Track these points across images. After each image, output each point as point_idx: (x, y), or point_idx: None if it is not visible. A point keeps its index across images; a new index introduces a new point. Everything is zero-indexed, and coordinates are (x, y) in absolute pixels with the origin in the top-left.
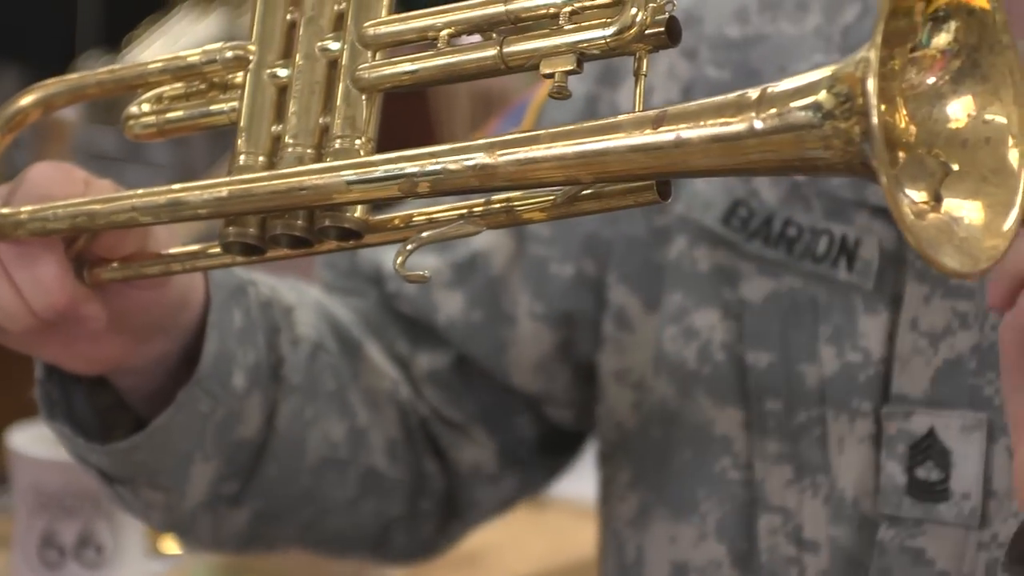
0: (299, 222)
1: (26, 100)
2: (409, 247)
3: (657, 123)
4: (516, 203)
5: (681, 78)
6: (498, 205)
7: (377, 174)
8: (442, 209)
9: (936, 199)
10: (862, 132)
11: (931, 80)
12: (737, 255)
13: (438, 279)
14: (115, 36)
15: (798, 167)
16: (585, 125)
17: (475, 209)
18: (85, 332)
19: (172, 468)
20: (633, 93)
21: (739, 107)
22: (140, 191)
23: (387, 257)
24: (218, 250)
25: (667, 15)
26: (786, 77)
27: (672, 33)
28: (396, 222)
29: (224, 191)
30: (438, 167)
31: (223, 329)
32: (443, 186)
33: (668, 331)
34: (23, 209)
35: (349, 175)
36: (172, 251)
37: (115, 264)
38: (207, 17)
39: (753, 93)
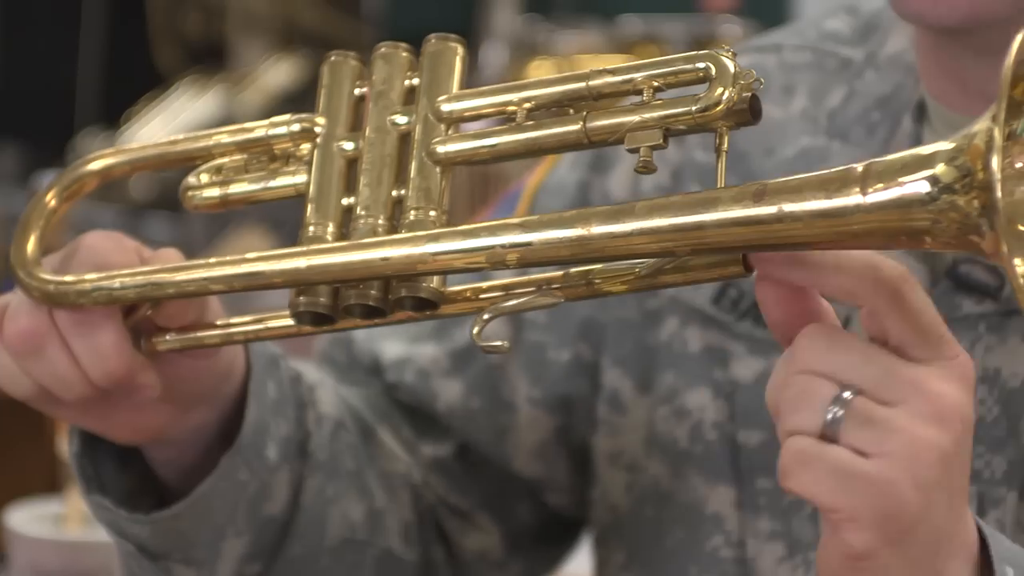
0: (373, 292)
1: (88, 168)
2: (486, 316)
3: (758, 197)
4: (596, 275)
5: (670, 162)
6: (577, 277)
7: (465, 245)
8: (518, 281)
9: None
10: (982, 206)
11: (1020, 164)
12: (728, 335)
13: (436, 368)
14: (114, 113)
15: (903, 241)
16: (681, 197)
17: (553, 282)
18: (136, 402)
19: (207, 542)
20: (716, 168)
21: (844, 181)
22: (212, 260)
23: (384, 347)
24: (277, 322)
25: (751, 93)
26: (773, 159)
27: (755, 111)
28: (468, 294)
29: (302, 262)
30: (528, 239)
31: (261, 399)
32: (532, 257)
33: (660, 411)
34: (87, 277)
35: (434, 246)
36: (232, 320)
37: (173, 334)
38: (206, 94)
39: (858, 167)
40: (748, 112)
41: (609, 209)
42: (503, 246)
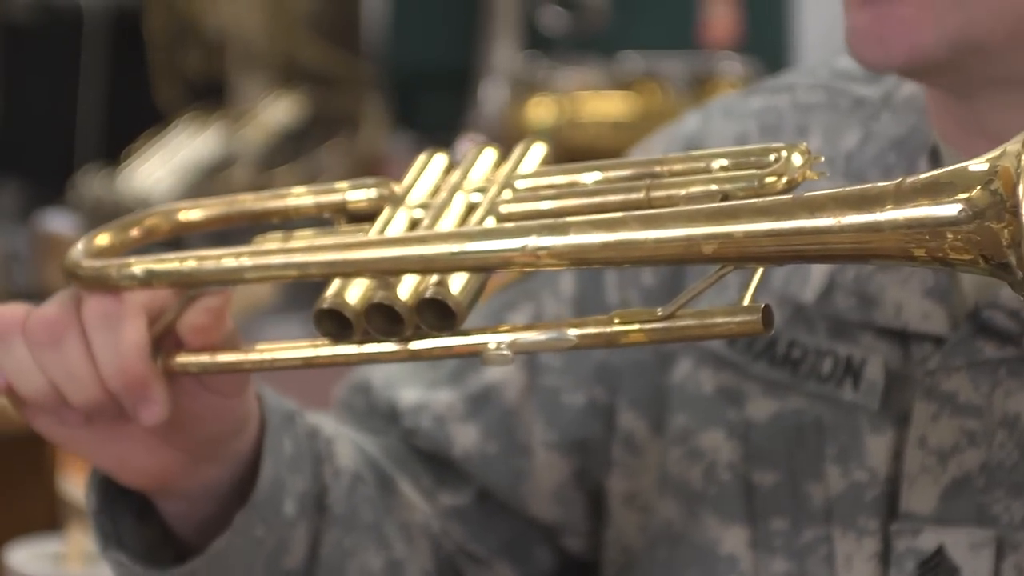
0: (401, 298)
1: (177, 216)
2: (503, 345)
3: (793, 204)
4: (614, 316)
5: None
6: (596, 327)
7: (496, 246)
8: (539, 325)
9: None
10: (1012, 236)
11: None
12: (742, 376)
13: (452, 413)
14: (115, 150)
15: (925, 259)
16: (712, 206)
17: (572, 329)
18: (144, 435)
19: None
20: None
21: (880, 197)
22: (249, 248)
23: (401, 394)
24: (291, 352)
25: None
26: None
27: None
28: (493, 331)
29: (343, 254)
30: (563, 241)
31: (276, 455)
32: (566, 256)
33: (673, 452)
34: (131, 260)
35: (470, 245)
36: (251, 348)
37: (190, 355)
38: (205, 131)
39: (891, 184)
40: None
41: (664, 212)
42: (536, 246)
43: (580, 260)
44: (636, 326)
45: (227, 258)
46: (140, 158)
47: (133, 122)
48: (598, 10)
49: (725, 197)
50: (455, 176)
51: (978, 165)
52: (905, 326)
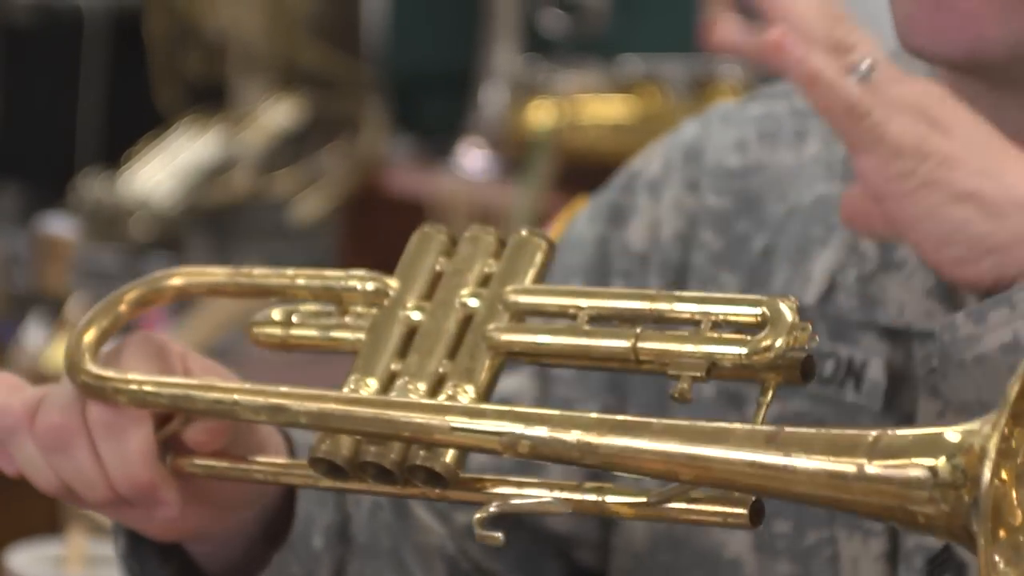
0: (392, 455)
1: (167, 283)
2: (492, 509)
3: (770, 441)
4: (607, 495)
5: (686, 210)
6: (589, 495)
7: (483, 426)
8: (533, 483)
9: None
10: (971, 501)
11: None
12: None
13: None
14: (115, 153)
15: (898, 518)
16: (697, 425)
17: (564, 492)
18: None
19: None
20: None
21: (854, 446)
22: (247, 385)
23: None
24: (299, 470)
25: (805, 354)
26: (787, 204)
27: (806, 372)
28: (485, 485)
29: (330, 406)
30: (544, 434)
31: (306, 490)
32: (543, 451)
33: None
34: (129, 376)
35: (455, 420)
36: (258, 459)
37: (199, 458)
38: (205, 134)
39: (870, 435)
40: (799, 371)
41: (628, 420)
42: (519, 435)
43: (556, 456)
44: (626, 505)
45: (219, 393)
46: (140, 161)
47: (133, 125)
48: (598, 13)
49: (713, 364)
50: (449, 272)
51: (951, 433)
52: (908, 325)
